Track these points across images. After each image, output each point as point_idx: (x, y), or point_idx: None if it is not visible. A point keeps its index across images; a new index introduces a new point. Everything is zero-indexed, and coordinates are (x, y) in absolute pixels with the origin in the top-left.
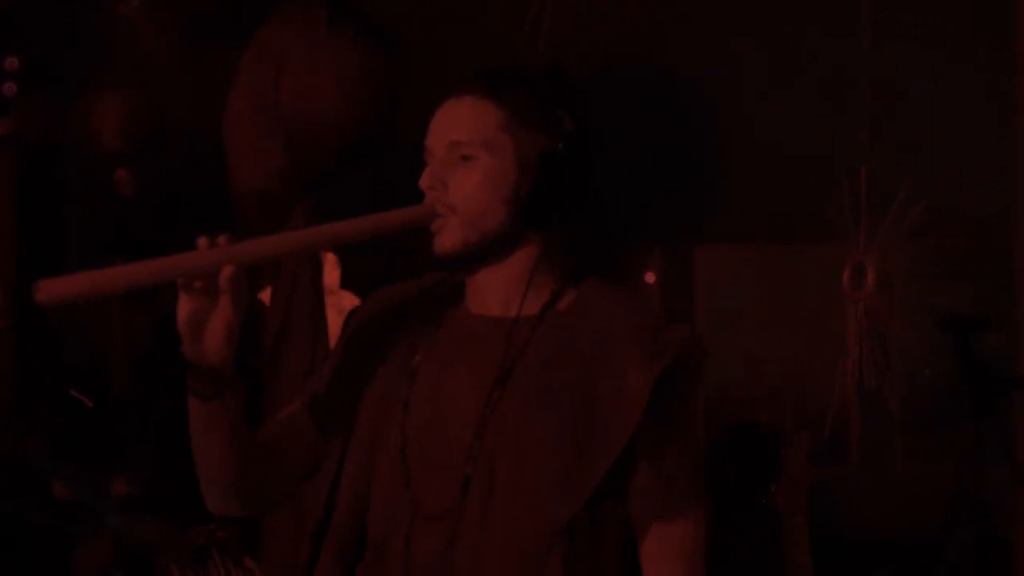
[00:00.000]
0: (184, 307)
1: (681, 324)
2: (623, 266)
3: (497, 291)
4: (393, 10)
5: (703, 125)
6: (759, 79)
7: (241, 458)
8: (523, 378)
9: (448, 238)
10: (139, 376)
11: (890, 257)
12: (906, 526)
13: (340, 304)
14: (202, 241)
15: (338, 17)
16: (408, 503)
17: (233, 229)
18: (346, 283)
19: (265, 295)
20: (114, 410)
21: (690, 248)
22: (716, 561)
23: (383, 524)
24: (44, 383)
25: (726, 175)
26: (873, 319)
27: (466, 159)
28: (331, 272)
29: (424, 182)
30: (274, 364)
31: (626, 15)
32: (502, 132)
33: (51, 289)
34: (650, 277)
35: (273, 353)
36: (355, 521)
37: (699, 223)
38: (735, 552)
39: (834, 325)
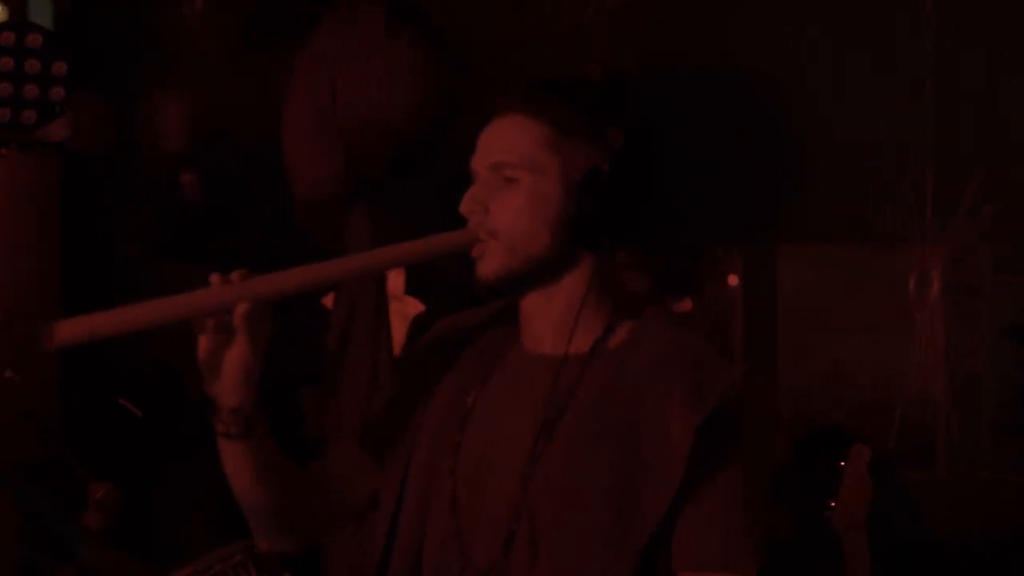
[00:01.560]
0: (201, 345)
1: (733, 363)
2: (704, 269)
3: (550, 322)
4: (452, 8)
5: (784, 124)
6: (838, 76)
7: (283, 493)
8: (570, 425)
9: (490, 264)
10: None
11: (968, 262)
12: (993, 533)
13: (404, 310)
14: (215, 278)
15: (396, 16)
16: (458, 554)
17: (292, 235)
18: (411, 289)
19: (328, 300)
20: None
21: (774, 249)
22: None
23: (435, 573)
24: (89, 392)
25: (810, 175)
26: (941, 327)
27: (509, 181)
28: (396, 277)
29: (465, 206)
30: (336, 372)
31: (696, 8)
32: (545, 150)
33: (60, 334)
34: (733, 280)
35: (335, 360)
36: (411, 569)
37: (782, 224)
38: (794, 569)
39: (917, 326)
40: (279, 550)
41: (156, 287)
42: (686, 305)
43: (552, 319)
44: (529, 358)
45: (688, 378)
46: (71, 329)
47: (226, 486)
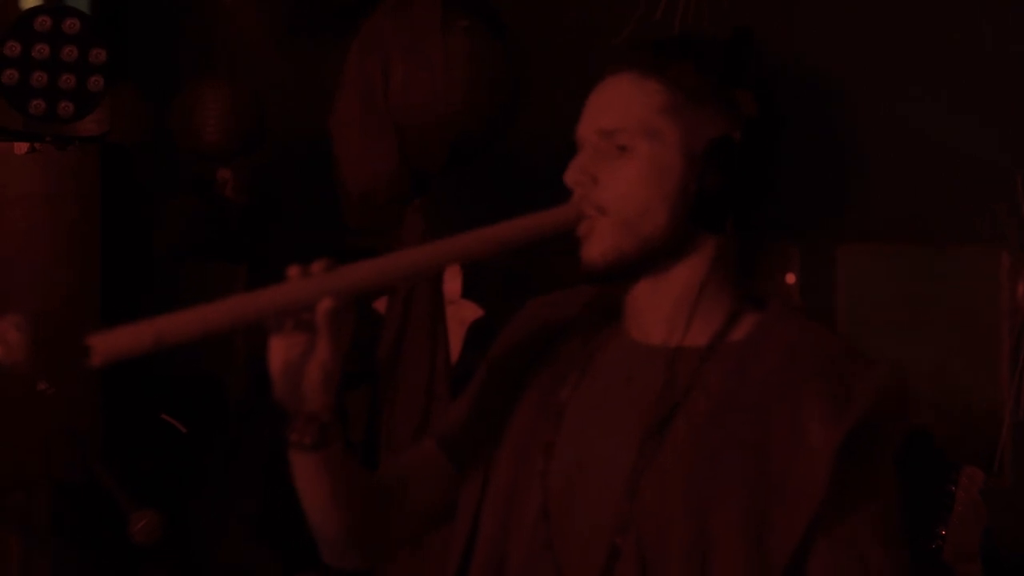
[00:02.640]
0: (276, 351)
1: (880, 363)
2: (762, 266)
3: (661, 313)
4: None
5: (843, 120)
6: (901, 73)
7: (356, 506)
8: (685, 427)
9: (598, 245)
10: (260, 393)
11: None
12: None
13: (461, 315)
14: (293, 271)
15: (452, 4)
16: (550, 568)
17: (340, 234)
18: (468, 292)
19: (380, 303)
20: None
21: (832, 248)
22: None
23: None
24: (132, 407)
25: (869, 173)
26: (1006, 333)
27: (621, 149)
28: (452, 280)
29: (569, 176)
30: (390, 379)
31: (758, 3)
32: (665, 116)
33: (107, 348)
34: (791, 278)
35: (389, 367)
36: None
37: (841, 222)
38: None
39: (982, 329)
40: (349, 567)
41: (193, 289)
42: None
43: (664, 309)
44: (636, 349)
45: (827, 382)
46: (130, 339)
47: (264, 498)
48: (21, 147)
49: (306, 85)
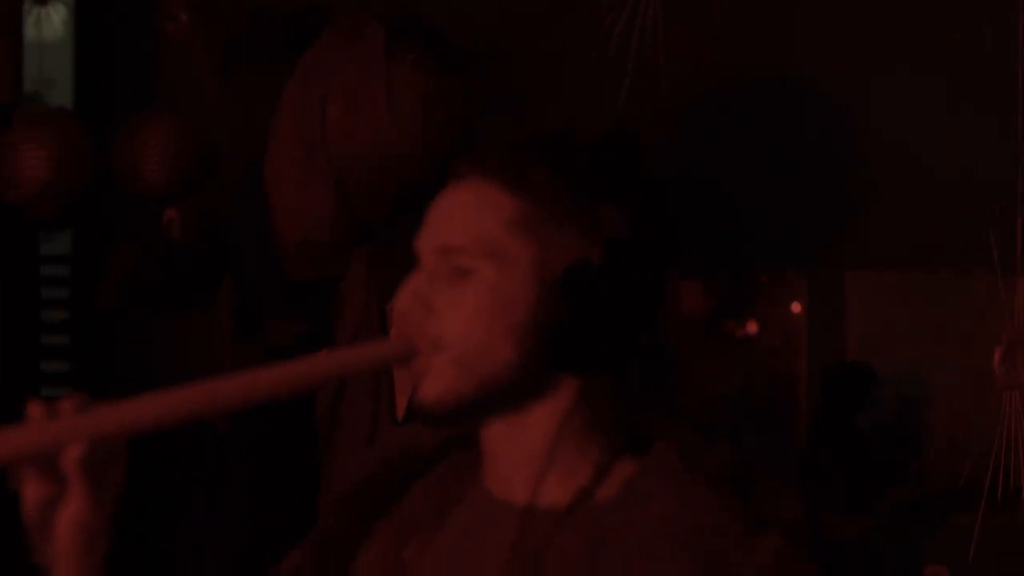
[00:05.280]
0: (25, 499)
1: (768, 538)
2: (765, 295)
3: (516, 464)
4: (468, 22)
5: (854, 146)
6: (910, 97)
7: None
8: None
9: (432, 385)
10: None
11: None
12: None
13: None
14: (34, 409)
15: (399, 34)
16: None
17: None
18: None
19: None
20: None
21: (840, 275)
22: None
23: None
24: None
25: (878, 198)
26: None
27: (462, 272)
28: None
29: (399, 303)
30: (330, 432)
31: (756, 25)
32: (514, 232)
33: None
34: (796, 307)
35: (328, 419)
36: None
37: (849, 249)
38: None
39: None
40: None
41: (132, 342)
42: (751, 327)
43: (520, 458)
44: (491, 505)
45: (697, 561)
46: None
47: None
48: None
49: (252, 120)
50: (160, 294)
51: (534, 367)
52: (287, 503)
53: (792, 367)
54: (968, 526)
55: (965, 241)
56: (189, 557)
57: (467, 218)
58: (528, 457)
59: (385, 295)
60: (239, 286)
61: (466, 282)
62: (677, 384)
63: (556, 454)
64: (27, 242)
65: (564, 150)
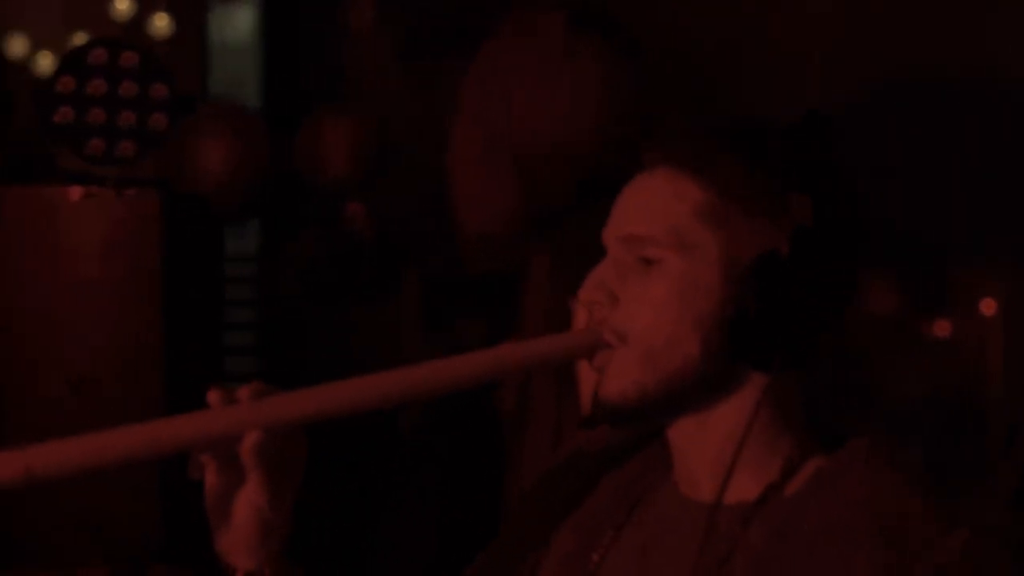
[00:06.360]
0: (207, 490)
1: (957, 528)
2: (956, 294)
3: (704, 461)
4: (647, 14)
5: None
6: None
7: None
8: None
9: (616, 381)
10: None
11: None
12: None
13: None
14: (214, 397)
15: (579, 25)
16: None
17: (467, 279)
18: None
19: None
20: None
21: None
22: None
23: None
24: None
25: None
26: None
27: (648, 262)
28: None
29: (584, 294)
30: (518, 421)
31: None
32: (702, 222)
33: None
34: (989, 306)
35: (515, 410)
36: None
37: None
38: None
39: None
40: None
41: (315, 335)
42: (943, 328)
43: (708, 455)
44: (679, 504)
45: (884, 548)
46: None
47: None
48: (75, 192)
49: (432, 113)
50: (342, 286)
51: (719, 362)
52: (476, 503)
53: (980, 374)
54: None
55: None
56: (381, 557)
57: (655, 207)
58: (715, 455)
59: (570, 288)
60: (424, 279)
61: (653, 273)
62: (867, 384)
63: (744, 452)
64: (213, 239)
65: (756, 138)
